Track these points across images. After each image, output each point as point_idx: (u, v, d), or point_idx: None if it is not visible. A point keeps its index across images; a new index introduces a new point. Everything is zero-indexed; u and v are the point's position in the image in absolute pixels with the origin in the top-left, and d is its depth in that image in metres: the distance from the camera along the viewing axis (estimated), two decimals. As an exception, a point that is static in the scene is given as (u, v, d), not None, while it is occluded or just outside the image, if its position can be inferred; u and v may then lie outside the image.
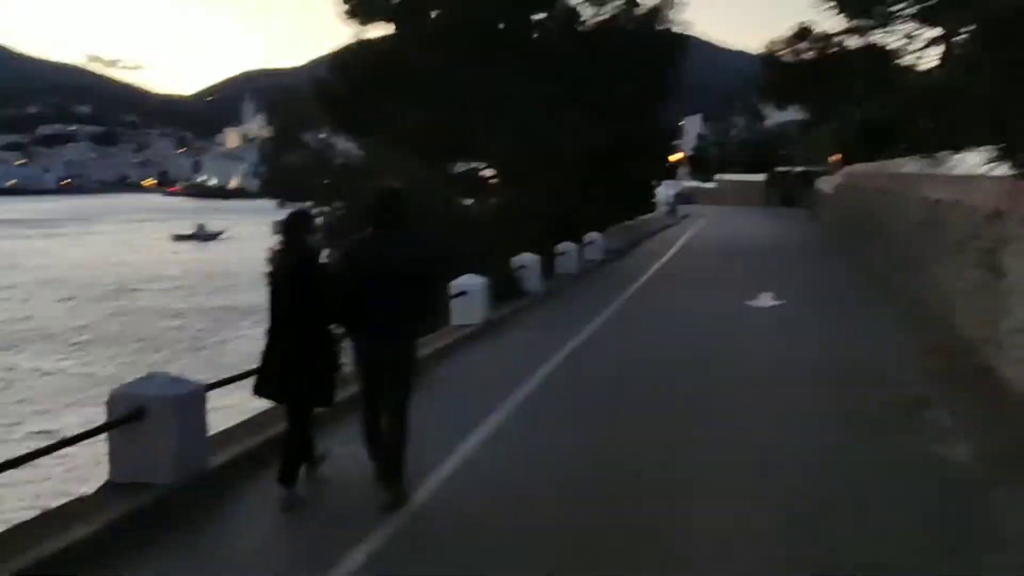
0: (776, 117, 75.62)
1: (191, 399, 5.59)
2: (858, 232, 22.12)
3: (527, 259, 15.78)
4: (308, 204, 16.21)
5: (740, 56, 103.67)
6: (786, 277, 17.80)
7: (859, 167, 24.88)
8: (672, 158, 48.19)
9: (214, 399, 5.94)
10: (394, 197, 5.64)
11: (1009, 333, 8.15)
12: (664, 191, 49.87)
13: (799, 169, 55.93)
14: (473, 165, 25.40)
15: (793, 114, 60.28)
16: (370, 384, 5.68)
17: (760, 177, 71.11)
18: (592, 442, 6.83)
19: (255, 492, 5.71)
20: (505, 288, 14.66)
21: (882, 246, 18.07)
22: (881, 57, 15.56)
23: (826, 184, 35.10)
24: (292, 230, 5.58)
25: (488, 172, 26.06)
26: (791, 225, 36.86)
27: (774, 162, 67.51)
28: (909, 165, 15.43)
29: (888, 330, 11.49)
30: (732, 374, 9.19)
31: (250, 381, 5.70)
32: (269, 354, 5.51)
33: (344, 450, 6.12)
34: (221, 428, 6.47)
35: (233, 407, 7.31)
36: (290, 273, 5.46)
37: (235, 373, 6.55)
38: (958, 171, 10.87)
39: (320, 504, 5.59)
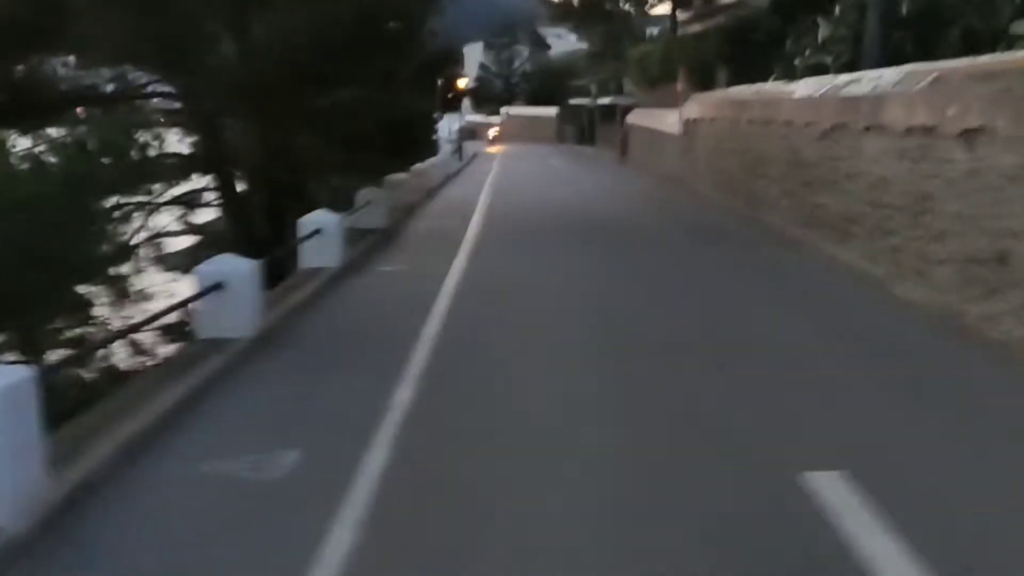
0: (562, 46, 68.48)
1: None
2: (774, 204, 13.86)
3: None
4: None
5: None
6: (778, 345, 7.24)
7: (772, 88, 15.36)
8: (457, 87, 39.28)
9: None
10: None
11: None
12: (446, 125, 41.49)
13: (601, 101, 48.25)
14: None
15: (580, 43, 52.64)
16: None
17: (551, 111, 63.99)
18: None
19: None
20: None
21: (913, 247, 8.31)
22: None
23: (650, 119, 27.25)
24: None
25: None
26: (612, 173, 29.08)
27: (564, 94, 60.29)
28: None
29: None
30: None
31: None
32: None
33: None
34: None
35: None
36: None
37: None
38: None
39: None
